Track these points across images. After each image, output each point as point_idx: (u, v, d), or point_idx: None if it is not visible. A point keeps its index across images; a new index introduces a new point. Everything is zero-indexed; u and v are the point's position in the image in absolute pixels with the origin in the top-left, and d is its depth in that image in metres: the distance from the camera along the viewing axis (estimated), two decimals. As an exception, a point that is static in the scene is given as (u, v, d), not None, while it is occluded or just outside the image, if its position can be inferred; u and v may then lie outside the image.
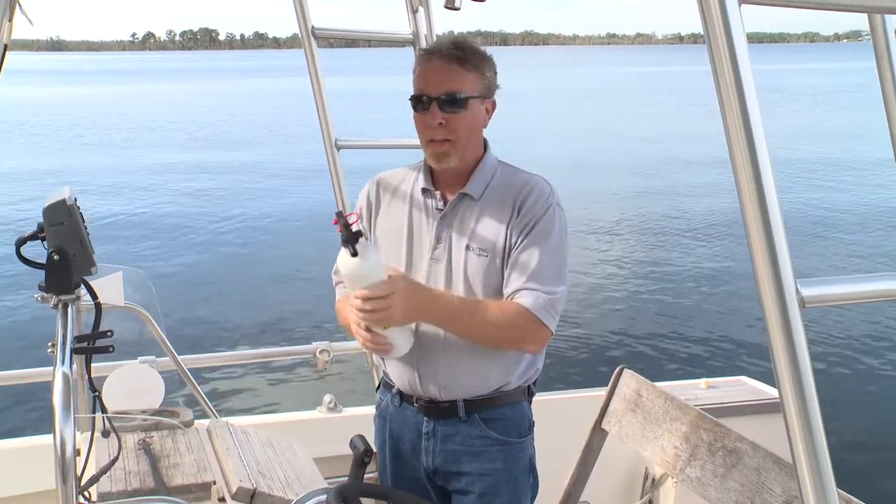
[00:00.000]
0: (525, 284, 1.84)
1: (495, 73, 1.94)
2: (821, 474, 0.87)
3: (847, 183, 15.29)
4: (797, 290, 0.85)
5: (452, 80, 1.85)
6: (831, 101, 33.61)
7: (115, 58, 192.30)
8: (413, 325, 1.88)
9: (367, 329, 1.81)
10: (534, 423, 2.05)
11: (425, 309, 1.82)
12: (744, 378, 3.47)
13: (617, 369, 2.52)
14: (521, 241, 1.86)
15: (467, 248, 1.90)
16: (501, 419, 1.97)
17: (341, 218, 1.70)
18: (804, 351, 0.85)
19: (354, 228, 1.71)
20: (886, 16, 1.10)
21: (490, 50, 1.95)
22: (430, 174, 1.98)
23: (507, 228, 1.88)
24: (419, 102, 1.87)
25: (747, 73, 0.82)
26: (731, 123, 0.83)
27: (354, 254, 1.70)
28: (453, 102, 1.84)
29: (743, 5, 0.83)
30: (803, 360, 0.85)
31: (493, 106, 1.94)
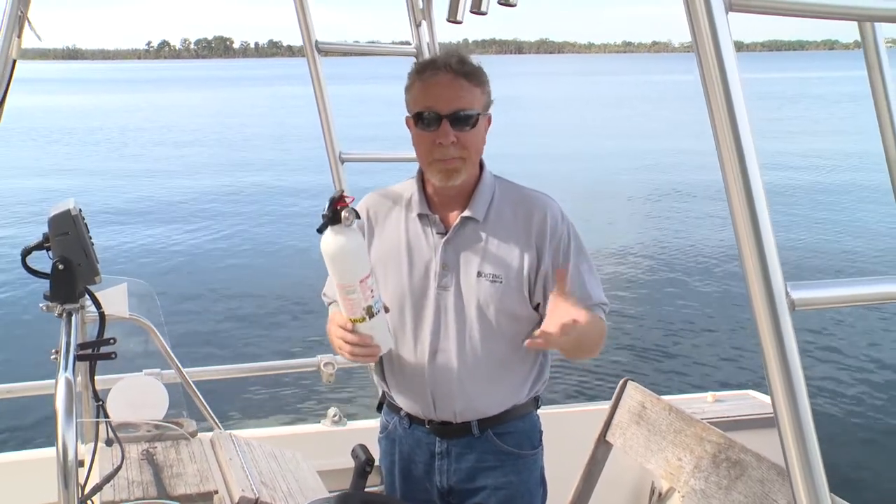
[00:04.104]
0: (593, 301, 1.85)
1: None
2: (813, 479, 0.87)
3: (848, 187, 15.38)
4: (787, 293, 0.85)
5: (463, 96, 1.76)
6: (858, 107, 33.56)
7: (130, 66, 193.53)
8: (385, 313, 1.76)
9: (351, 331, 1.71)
10: (542, 432, 2.03)
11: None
12: (751, 392, 3.45)
13: (621, 382, 2.52)
14: (564, 264, 1.83)
15: (479, 274, 1.83)
16: (514, 432, 1.95)
17: (332, 202, 1.59)
18: (795, 354, 0.86)
19: (343, 213, 1.58)
20: (877, 24, 1.11)
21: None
22: (426, 196, 1.89)
23: (523, 251, 1.83)
24: (425, 119, 1.76)
25: (735, 78, 0.83)
26: (720, 127, 0.84)
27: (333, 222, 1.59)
28: (466, 120, 1.75)
29: (730, 12, 0.84)
30: (794, 363, 0.86)
31: (490, 122, 1.86)
